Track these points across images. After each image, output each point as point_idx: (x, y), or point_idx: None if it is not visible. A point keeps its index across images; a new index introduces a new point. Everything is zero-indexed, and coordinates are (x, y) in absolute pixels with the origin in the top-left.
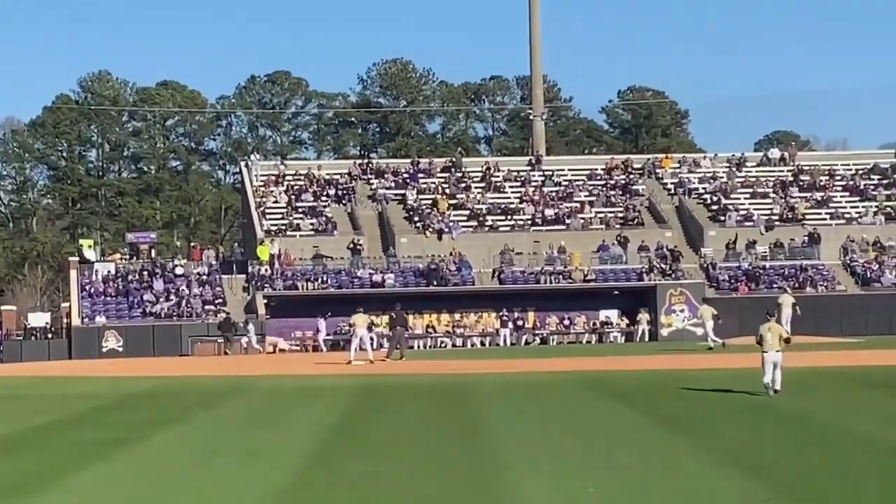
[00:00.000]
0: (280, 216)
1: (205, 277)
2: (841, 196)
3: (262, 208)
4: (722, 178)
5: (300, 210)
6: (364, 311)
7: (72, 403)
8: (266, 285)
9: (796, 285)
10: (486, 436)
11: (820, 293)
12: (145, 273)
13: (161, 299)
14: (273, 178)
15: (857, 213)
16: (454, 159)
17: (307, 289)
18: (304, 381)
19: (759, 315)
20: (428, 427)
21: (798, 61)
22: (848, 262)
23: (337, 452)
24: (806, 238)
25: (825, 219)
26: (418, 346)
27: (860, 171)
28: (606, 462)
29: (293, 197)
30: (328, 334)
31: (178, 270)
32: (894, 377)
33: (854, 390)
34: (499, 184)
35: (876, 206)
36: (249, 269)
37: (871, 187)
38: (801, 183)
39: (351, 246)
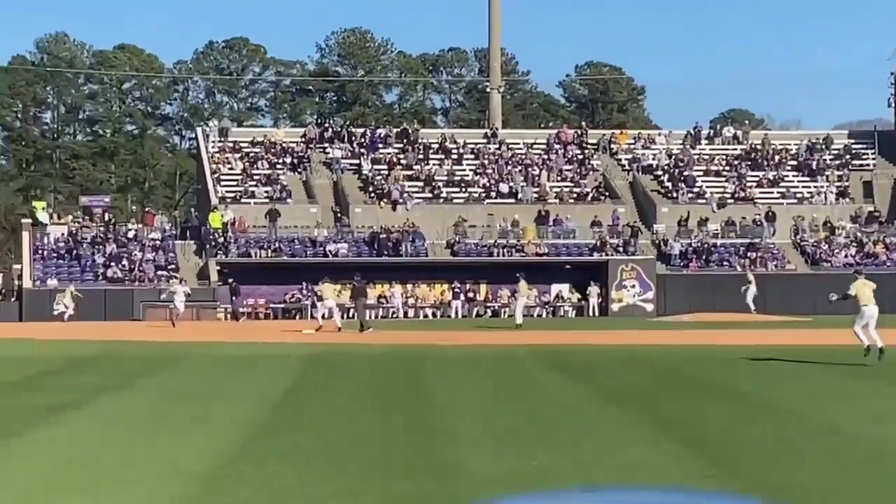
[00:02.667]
0: (235, 183)
1: (158, 243)
2: (793, 175)
3: (216, 175)
4: (676, 154)
5: (255, 178)
6: (330, 280)
7: (17, 367)
8: (219, 252)
9: (748, 264)
10: (432, 407)
11: (770, 272)
12: (98, 237)
13: (113, 263)
14: (229, 145)
15: (808, 192)
16: (410, 130)
17: (260, 256)
18: (255, 350)
19: (708, 291)
20: (375, 398)
21: (755, 41)
22: (798, 241)
23: (283, 422)
24: (757, 216)
25: (777, 198)
26: (370, 317)
27: (812, 151)
28: (552, 437)
29: (248, 164)
30: (280, 301)
31: (131, 235)
32: (835, 355)
33: (798, 368)
34: (454, 156)
35: (827, 186)
36: (203, 235)
37: (824, 167)
38: (755, 162)
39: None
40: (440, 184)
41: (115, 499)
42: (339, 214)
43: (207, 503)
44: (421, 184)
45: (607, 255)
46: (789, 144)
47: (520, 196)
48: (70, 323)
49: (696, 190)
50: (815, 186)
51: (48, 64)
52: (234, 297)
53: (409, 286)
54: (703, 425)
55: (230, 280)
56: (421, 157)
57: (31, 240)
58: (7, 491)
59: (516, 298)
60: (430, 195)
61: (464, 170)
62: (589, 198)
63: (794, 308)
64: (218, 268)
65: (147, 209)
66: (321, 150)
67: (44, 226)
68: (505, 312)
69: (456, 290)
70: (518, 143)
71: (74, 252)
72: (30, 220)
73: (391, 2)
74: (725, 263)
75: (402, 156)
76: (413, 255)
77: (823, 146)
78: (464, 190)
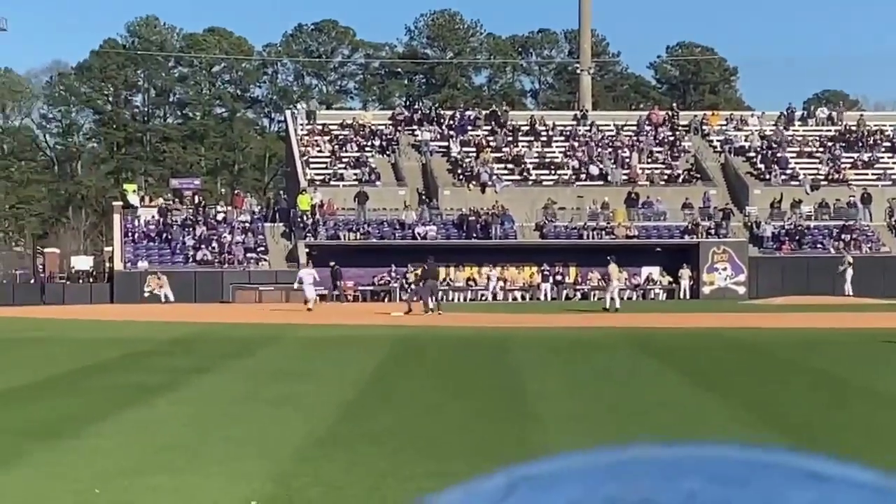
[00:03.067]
0: (324, 165)
1: (247, 225)
2: (888, 157)
3: (305, 157)
4: (769, 136)
5: (344, 160)
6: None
7: (110, 348)
8: (308, 234)
9: (843, 246)
10: (521, 390)
11: (864, 254)
12: (188, 219)
13: (203, 246)
14: (318, 127)
15: None
16: (499, 112)
17: (349, 239)
18: (345, 332)
19: (802, 274)
20: (463, 380)
21: (849, 20)
22: (893, 223)
23: (371, 404)
24: (851, 198)
25: (872, 179)
26: (459, 299)
27: None
28: (644, 420)
29: (337, 147)
30: (369, 284)
31: (220, 217)
32: None
33: (892, 352)
34: (544, 138)
35: None
36: (291, 217)
37: None
38: (849, 143)
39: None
40: (529, 166)
41: (205, 479)
42: (424, 197)
43: (296, 484)
44: (510, 166)
45: (698, 237)
46: (884, 125)
47: (609, 178)
48: (167, 305)
49: (789, 172)
50: None
51: (139, 47)
52: (336, 281)
53: (499, 269)
54: (796, 409)
55: (332, 263)
56: (510, 139)
57: (122, 222)
58: (99, 471)
59: (608, 282)
60: (519, 177)
61: (553, 152)
62: (680, 180)
63: (889, 291)
64: (307, 250)
65: (236, 192)
66: (410, 132)
67: (134, 208)
68: (594, 295)
69: (545, 272)
70: (608, 125)
71: (165, 235)
72: (121, 203)
73: None
74: (819, 246)
75: (491, 138)
76: (502, 238)
77: None
78: (553, 172)
